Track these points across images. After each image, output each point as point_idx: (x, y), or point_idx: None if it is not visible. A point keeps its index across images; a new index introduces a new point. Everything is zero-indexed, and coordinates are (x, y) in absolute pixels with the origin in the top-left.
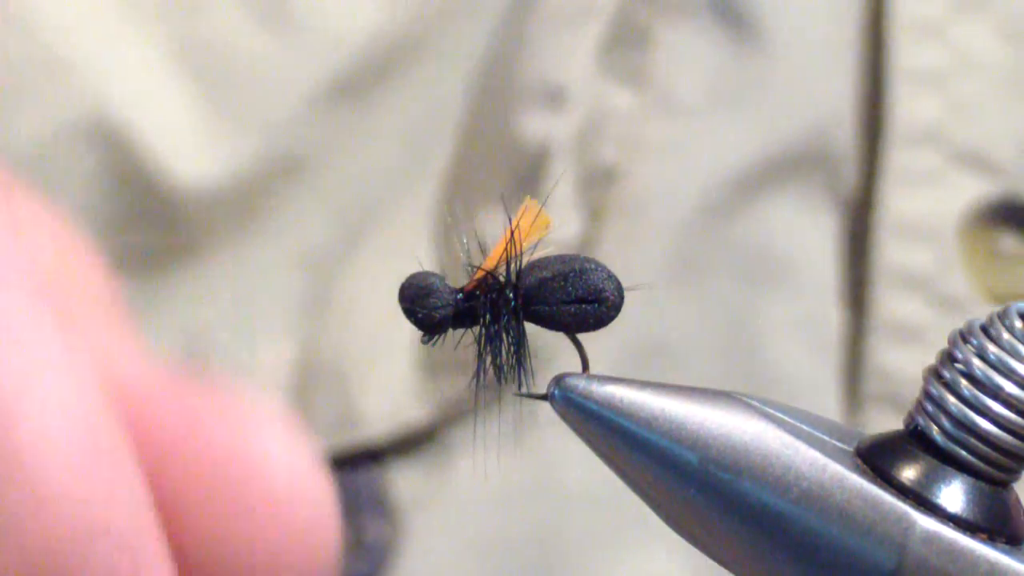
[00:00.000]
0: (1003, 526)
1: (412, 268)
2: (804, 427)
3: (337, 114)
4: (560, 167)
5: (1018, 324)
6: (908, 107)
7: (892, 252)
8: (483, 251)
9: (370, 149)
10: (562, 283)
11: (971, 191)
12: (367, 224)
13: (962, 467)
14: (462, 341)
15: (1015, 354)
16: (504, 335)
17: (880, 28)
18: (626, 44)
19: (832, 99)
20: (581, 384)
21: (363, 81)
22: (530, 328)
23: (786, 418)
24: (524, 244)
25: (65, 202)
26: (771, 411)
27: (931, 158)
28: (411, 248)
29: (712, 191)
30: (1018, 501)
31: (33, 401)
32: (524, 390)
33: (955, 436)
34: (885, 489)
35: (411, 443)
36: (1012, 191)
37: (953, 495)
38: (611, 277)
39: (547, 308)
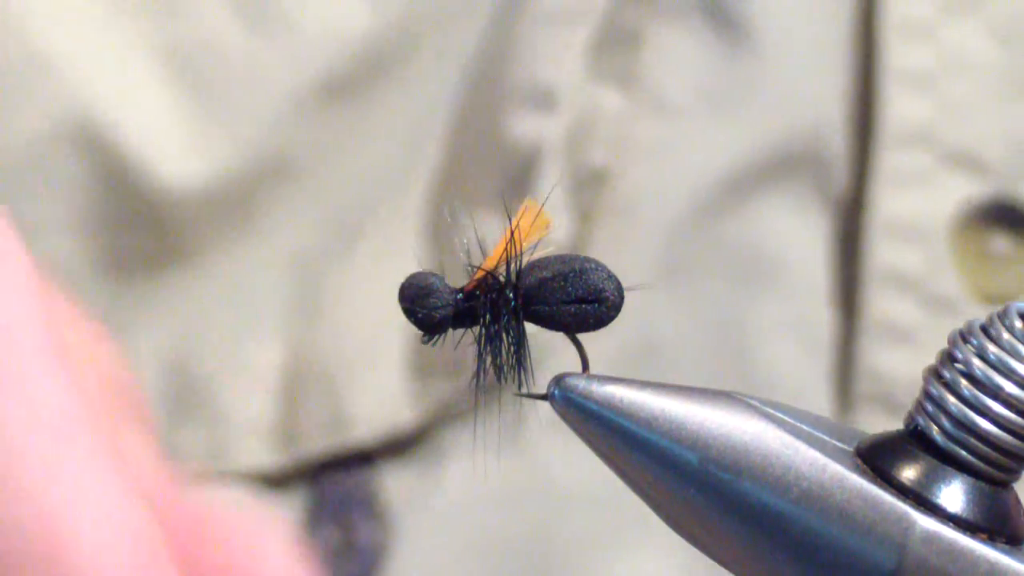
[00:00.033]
0: (1003, 526)
1: (402, 270)
2: (804, 427)
3: (326, 115)
4: (550, 168)
5: (1018, 324)
6: (899, 108)
7: (883, 253)
8: (483, 251)
9: (359, 151)
10: (562, 283)
11: (962, 191)
12: (357, 226)
13: (962, 467)
14: (462, 341)
15: (1015, 354)
16: (504, 335)
17: (870, 29)
18: (616, 45)
19: (822, 100)
20: (581, 384)
21: (352, 82)
22: (530, 328)
23: (786, 418)
24: (524, 244)
25: (51, 206)
26: (771, 411)
27: (922, 159)
28: (401, 250)
29: (703, 192)
30: (1018, 501)
31: (87, 517)
32: (524, 390)
33: (955, 436)
34: (885, 489)
35: (402, 445)
36: (1003, 191)
37: (953, 495)
38: (611, 277)
39: (547, 308)
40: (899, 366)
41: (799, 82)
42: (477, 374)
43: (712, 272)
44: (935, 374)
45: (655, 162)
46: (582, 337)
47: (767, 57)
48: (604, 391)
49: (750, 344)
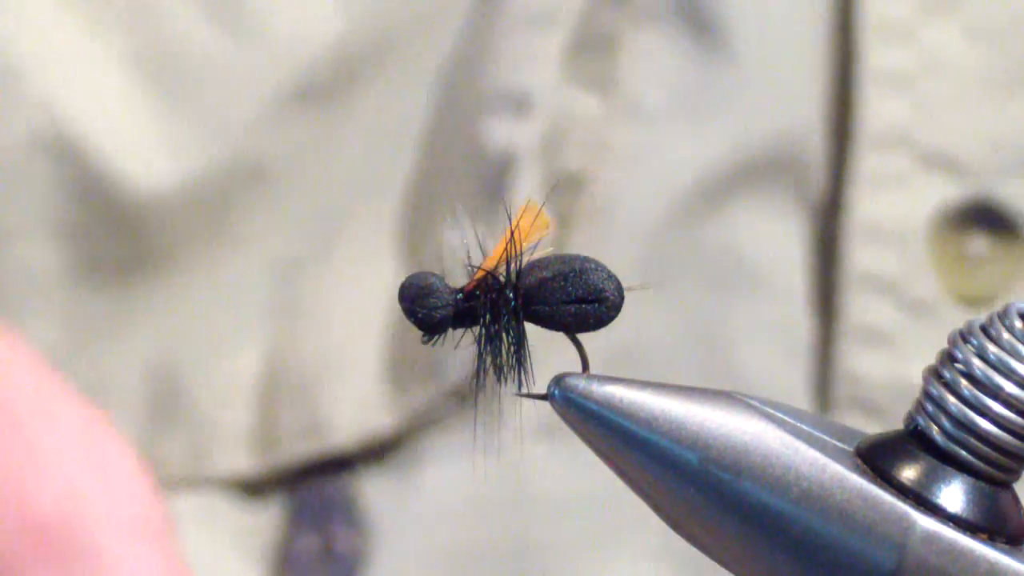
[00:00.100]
0: (1003, 526)
1: (379, 275)
2: (804, 427)
3: (301, 120)
4: (526, 173)
5: (1018, 324)
6: (876, 110)
7: (861, 256)
8: (482, 251)
9: (335, 156)
10: (562, 283)
11: (940, 194)
12: (334, 231)
13: (962, 467)
14: (461, 341)
15: (1015, 354)
16: (504, 335)
17: (848, 30)
18: (592, 50)
19: (799, 103)
20: (581, 384)
21: (327, 87)
22: (530, 328)
23: (786, 418)
24: (524, 244)
25: (26, 215)
26: (771, 411)
27: (900, 161)
28: (378, 255)
29: (680, 196)
30: (1018, 501)
31: None
32: (524, 390)
33: (955, 436)
34: (885, 489)
35: (380, 451)
36: (981, 193)
37: (953, 495)
38: (611, 277)
39: (547, 308)
40: (877, 369)
41: (776, 85)
42: (477, 374)
43: (690, 276)
44: (935, 374)
45: (632, 166)
46: (582, 337)
47: (744, 60)
48: (604, 391)
49: (728, 348)
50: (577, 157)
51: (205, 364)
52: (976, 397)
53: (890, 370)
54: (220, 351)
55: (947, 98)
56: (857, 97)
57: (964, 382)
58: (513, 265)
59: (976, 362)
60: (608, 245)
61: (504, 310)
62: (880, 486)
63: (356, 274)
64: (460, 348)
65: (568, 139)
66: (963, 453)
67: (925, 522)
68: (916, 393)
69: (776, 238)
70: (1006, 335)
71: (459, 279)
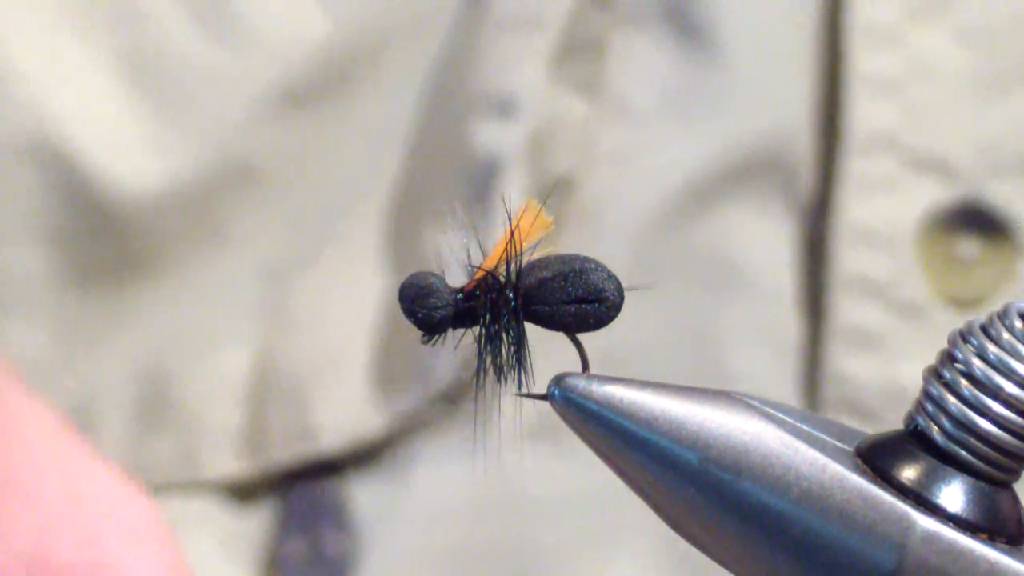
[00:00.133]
0: (1003, 526)
1: (368, 278)
2: (804, 427)
3: (289, 123)
4: (514, 176)
5: (1018, 324)
6: (865, 113)
7: (850, 258)
8: (481, 251)
9: (323, 159)
10: (562, 283)
11: (929, 196)
12: (323, 234)
13: (962, 467)
14: (460, 341)
15: (1015, 354)
16: (504, 335)
17: (836, 34)
18: (579, 53)
19: (788, 105)
20: (581, 384)
21: (315, 90)
22: (530, 328)
23: (786, 418)
24: (524, 244)
25: (13, 219)
26: (771, 411)
27: (888, 164)
28: (366, 258)
29: (668, 198)
30: (1018, 501)
31: None
32: (524, 390)
33: (955, 436)
34: (885, 489)
35: (370, 454)
36: (970, 196)
37: (953, 495)
38: (611, 277)
39: (547, 308)
40: (866, 371)
41: (764, 88)
42: (477, 374)
43: (679, 277)
44: (935, 374)
45: (620, 169)
46: (582, 337)
47: (732, 63)
48: (604, 391)
49: (717, 349)
50: (565, 160)
51: (194, 367)
52: (976, 397)
53: (879, 372)
54: (209, 354)
55: (935, 101)
56: (845, 100)
57: (964, 382)
58: (513, 265)
59: (976, 362)
60: (597, 247)
61: (504, 310)
62: (880, 486)
63: (345, 277)
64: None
65: (556, 142)
66: (963, 453)
67: (925, 522)
68: (905, 395)
69: (765, 240)
70: (1006, 335)
71: (454, 279)
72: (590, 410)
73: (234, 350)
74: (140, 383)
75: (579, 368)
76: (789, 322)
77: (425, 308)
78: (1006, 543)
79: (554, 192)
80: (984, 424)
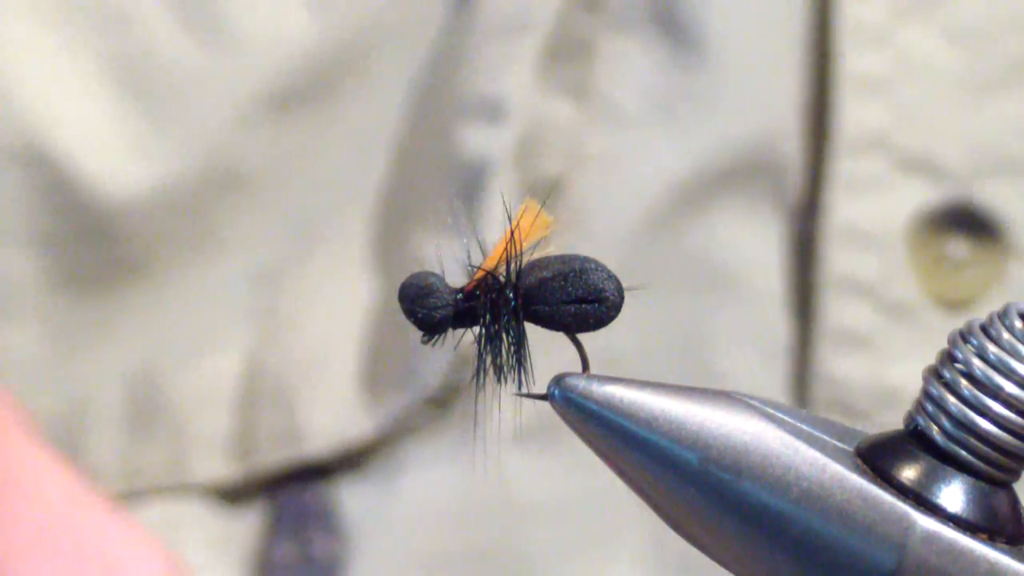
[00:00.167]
0: (1003, 526)
1: (356, 282)
2: (804, 427)
3: (277, 126)
4: (501, 180)
5: (1018, 324)
6: (854, 113)
7: (839, 259)
8: (475, 253)
9: (312, 163)
10: (562, 283)
11: (918, 197)
12: (311, 238)
13: (962, 467)
14: (462, 341)
15: (1015, 354)
16: (504, 335)
17: (825, 34)
18: (567, 56)
19: (776, 107)
20: (581, 384)
21: (302, 93)
22: (529, 328)
23: (786, 418)
24: (524, 244)
25: (1, 225)
26: (771, 411)
27: (877, 164)
28: (355, 263)
29: (657, 201)
30: (1018, 501)
31: None
32: (524, 390)
33: (955, 436)
34: (885, 489)
35: (358, 458)
36: (959, 196)
37: (953, 495)
38: (611, 277)
39: (547, 308)
40: (856, 372)
41: (753, 89)
42: (477, 374)
43: (668, 280)
44: (935, 374)
45: (609, 172)
46: (582, 337)
47: (720, 65)
48: (604, 391)
49: (707, 351)
50: (553, 163)
51: (182, 370)
52: (976, 397)
53: (869, 373)
54: (197, 357)
55: (924, 101)
56: (834, 101)
57: (964, 382)
58: (513, 265)
59: (976, 362)
60: (585, 250)
61: (504, 310)
62: (880, 486)
63: (333, 280)
64: (436, 354)
65: (544, 145)
66: (963, 453)
67: (925, 522)
68: (895, 395)
69: (754, 241)
70: (1006, 335)
71: (452, 279)
72: (590, 410)
73: (223, 354)
74: (130, 386)
75: (579, 368)
76: (778, 323)
77: (425, 308)
78: (1006, 543)
79: (547, 193)
80: (984, 424)
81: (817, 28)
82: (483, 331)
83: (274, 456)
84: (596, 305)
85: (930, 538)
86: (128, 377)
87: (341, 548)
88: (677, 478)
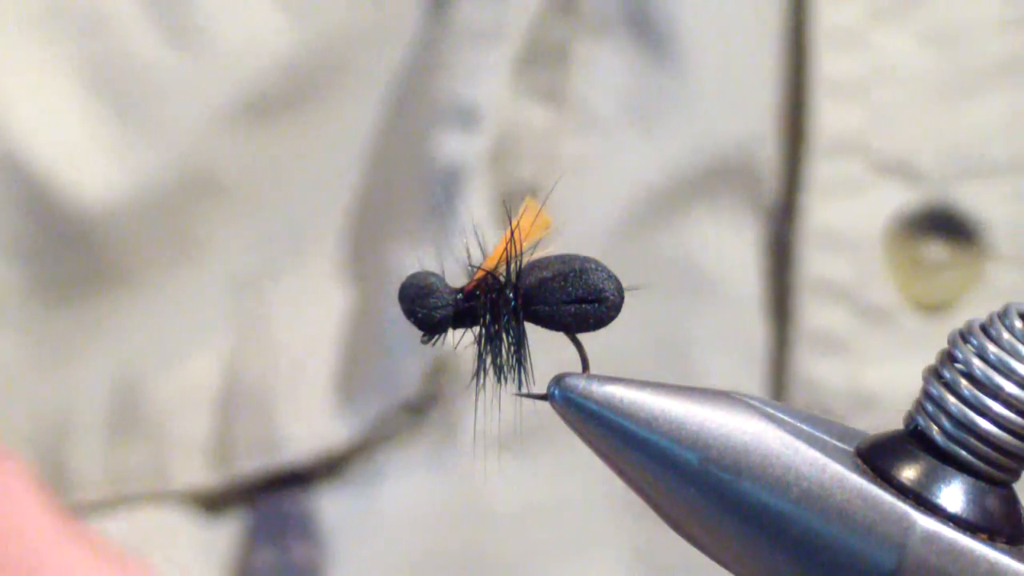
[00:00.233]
0: (1003, 526)
1: (333, 290)
2: (804, 427)
3: (253, 133)
4: (477, 185)
5: (1018, 324)
6: (829, 117)
7: (816, 263)
8: (482, 251)
9: (289, 170)
10: (562, 283)
11: (894, 199)
12: (288, 245)
13: (962, 467)
14: (462, 341)
15: (1015, 354)
16: (504, 335)
17: (800, 38)
18: (542, 61)
19: (752, 110)
20: (581, 384)
21: (279, 100)
22: (529, 328)
23: (786, 418)
24: (524, 244)
25: None
26: (771, 411)
27: (854, 167)
28: (332, 270)
29: (634, 205)
30: (1018, 501)
31: None
32: (524, 390)
33: (955, 436)
34: (885, 489)
35: (337, 465)
36: (936, 199)
37: (953, 495)
38: (611, 277)
39: (547, 308)
40: (833, 375)
41: (728, 93)
42: (477, 374)
43: (645, 285)
44: (935, 374)
45: (584, 177)
46: (582, 337)
47: (695, 69)
48: (604, 391)
49: (684, 354)
50: (528, 168)
51: (162, 377)
52: (976, 397)
53: (846, 376)
54: (177, 364)
55: (900, 104)
56: (810, 104)
57: (964, 382)
58: (513, 265)
59: (976, 362)
60: None
61: (504, 310)
62: (880, 486)
63: (310, 287)
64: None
65: (519, 151)
66: (963, 453)
67: (925, 522)
68: (872, 399)
69: (730, 245)
70: (1006, 335)
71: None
72: (590, 410)
73: (202, 360)
74: (111, 394)
75: (579, 368)
76: (755, 326)
77: (425, 308)
78: (1006, 543)
79: (508, 203)
80: (984, 424)
81: (792, 31)
82: (483, 331)
83: (253, 463)
84: (596, 305)
85: (930, 538)
86: (108, 384)
87: (320, 555)
88: (677, 478)
